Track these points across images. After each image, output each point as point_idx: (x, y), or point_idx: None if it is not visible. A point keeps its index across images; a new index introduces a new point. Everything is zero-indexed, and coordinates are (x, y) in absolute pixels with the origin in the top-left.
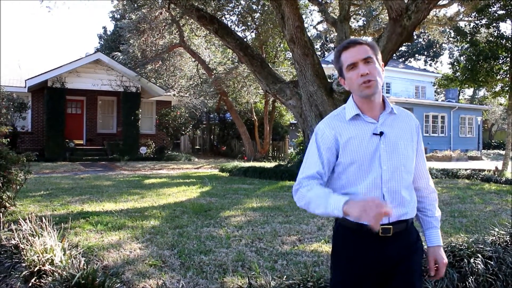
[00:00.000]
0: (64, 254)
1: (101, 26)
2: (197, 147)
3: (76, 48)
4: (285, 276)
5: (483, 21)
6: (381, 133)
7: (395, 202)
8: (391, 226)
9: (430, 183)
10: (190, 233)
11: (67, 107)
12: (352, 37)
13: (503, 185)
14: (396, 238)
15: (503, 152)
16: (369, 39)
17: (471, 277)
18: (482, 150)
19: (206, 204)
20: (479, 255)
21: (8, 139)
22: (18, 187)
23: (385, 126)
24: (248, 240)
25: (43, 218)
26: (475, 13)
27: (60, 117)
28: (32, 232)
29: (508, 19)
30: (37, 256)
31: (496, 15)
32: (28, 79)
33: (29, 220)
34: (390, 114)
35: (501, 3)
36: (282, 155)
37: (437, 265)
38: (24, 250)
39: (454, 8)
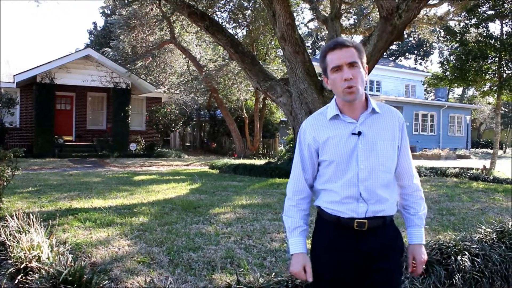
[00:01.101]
0: (51, 251)
1: (91, 21)
2: (187, 144)
3: (66, 44)
4: (273, 273)
5: (473, 21)
6: (359, 133)
7: (372, 199)
8: (366, 221)
9: (414, 181)
10: (179, 230)
11: (56, 103)
12: (340, 37)
13: (491, 183)
14: (372, 233)
15: (491, 151)
16: (359, 38)
17: (458, 274)
18: (471, 149)
19: (196, 201)
20: (466, 253)
21: None
22: (5, 183)
23: (364, 126)
24: (237, 237)
25: (30, 214)
26: (464, 13)
27: (49, 113)
28: (19, 228)
29: (497, 19)
30: (24, 253)
31: (485, 15)
32: (16, 75)
33: (16, 217)
34: (372, 113)
35: (490, 4)
36: (272, 152)
37: (415, 263)
38: (10, 247)
39: (444, 7)
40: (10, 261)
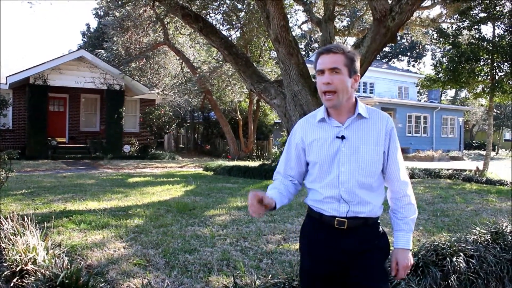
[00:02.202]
0: (47, 254)
1: (84, 23)
2: (181, 145)
3: (59, 45)
4: (270, 275)
5: (465, 23)
6: (343, 137)
7: (354, 200)
8: (345, 220)
9: (402, 186)
10: (174, 232)
11: (49, 104)
12: (334, 43)
13: (484, 185)
14: (352, 232)
15: (484, 153)
16: (353, 40)
17: (453, 275)
18: (464, 151)
19: (191, 203)
20: (461, 254)
21: None
22: None
23: (349, 130)
24: (233, 239)
25: (25, 217)
26: (457, 15)
27: (42, 115)
28: (14, 231)
29: (489, 22)
30: (19, 256)
31: (478, 17)
32: (9, 76)
33: (11, 219)
34: (359, 118)
35: (483, 6)
36: (266, 154)
37: (398, 267)
38: (5, 250)
39: (437, 10)
40: (5, 264)
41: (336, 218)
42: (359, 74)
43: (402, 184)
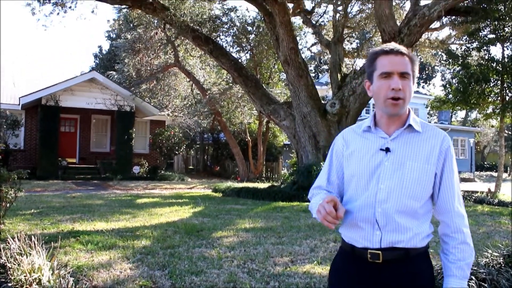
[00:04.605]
0: (52, 274)
1: (96, 45)
2: (191, 167)
3: (72, 67)
4: None
5: (474, 45)
6: (387, 149)
7: (389, 226)
8: (380, 252)
9: (456, 219)
10: (181, 253)
11: (60, 125)
12: (394, 43)
13: (496, 206)
14: (389, 266)
15: (495, 174)
16: (362, 61)
17: None
18: (475, 172)
19: (199, 224)
20: (473, 277)
21: (0, 157)
22: (8, 205)
23: (396, 142)
24: (240, 261)
25: (32, 236)
26: (466, 36)
27: (53, 135)
28: (21, 251)
29: (498, 43)
30: (24, 276)
31: (487, 39)
32: (22, 97)
33: (18, 239)
34: (410, 131)
35: (491, 28)
36: (276, 176)
37: None
38: (11, 270)
39: (446, 31)
40: (10, 284)
41: (369, 251)
42: (416, 79)
43: (456, 216)
